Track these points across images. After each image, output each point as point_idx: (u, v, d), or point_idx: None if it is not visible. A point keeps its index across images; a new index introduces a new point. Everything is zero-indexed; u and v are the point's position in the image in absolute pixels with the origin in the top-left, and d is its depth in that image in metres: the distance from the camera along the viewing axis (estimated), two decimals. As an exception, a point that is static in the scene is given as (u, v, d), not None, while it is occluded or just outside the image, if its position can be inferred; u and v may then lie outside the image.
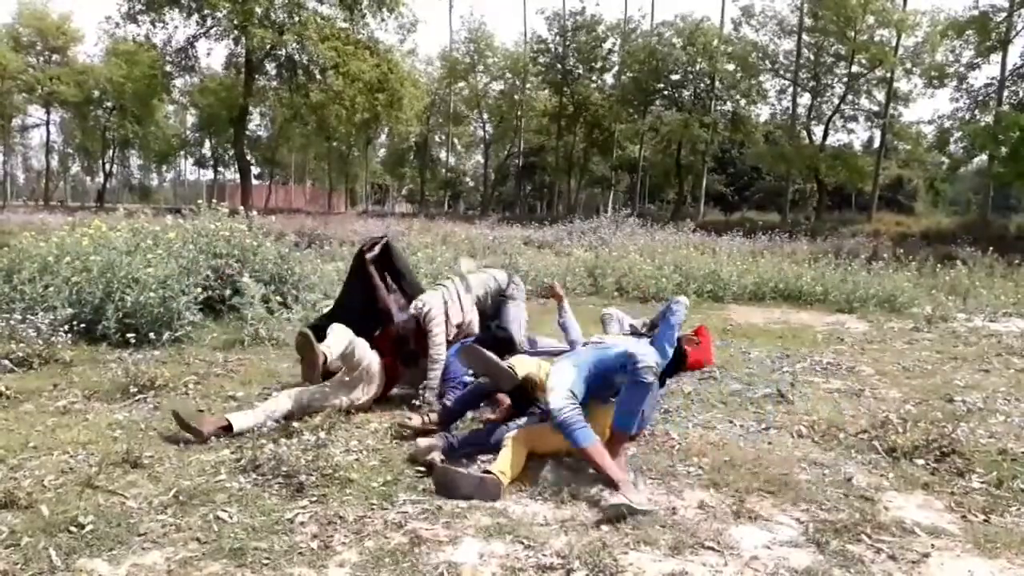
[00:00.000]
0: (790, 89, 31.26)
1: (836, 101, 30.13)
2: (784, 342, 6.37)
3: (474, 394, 3.54)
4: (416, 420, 3.45)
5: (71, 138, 45.74)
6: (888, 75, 27.78)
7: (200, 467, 2.98)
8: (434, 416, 3.47)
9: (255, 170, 47.87)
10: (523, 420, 3.33)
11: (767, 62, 31.06)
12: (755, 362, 5.43)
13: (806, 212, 36.42)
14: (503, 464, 2.87)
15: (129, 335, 5.08)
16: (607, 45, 36.98)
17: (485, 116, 45.10)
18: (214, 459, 3.06)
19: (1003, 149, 21.32)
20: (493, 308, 4.40)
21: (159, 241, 6.15)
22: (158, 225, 6.78)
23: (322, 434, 3.19)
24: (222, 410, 3.63)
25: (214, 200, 7.41)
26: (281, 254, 6.86)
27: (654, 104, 34.88)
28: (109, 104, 39.12)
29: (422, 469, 2.99)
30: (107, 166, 44.51)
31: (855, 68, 28.96)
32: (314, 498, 2.71)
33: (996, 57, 25.03)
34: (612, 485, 2.71)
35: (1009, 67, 25.30)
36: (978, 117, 25.11)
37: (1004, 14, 24.33)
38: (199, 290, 5.66)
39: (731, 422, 3.84)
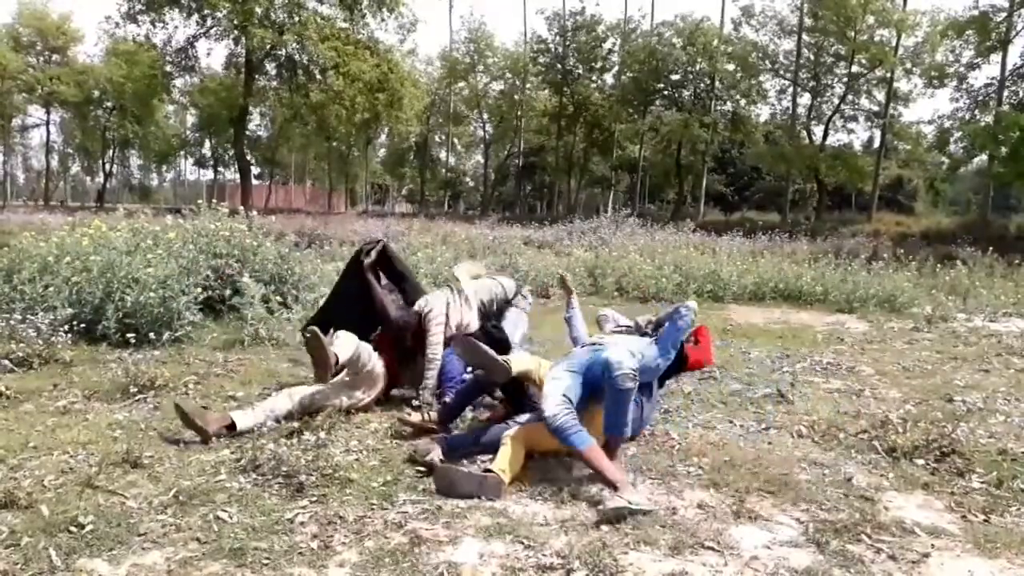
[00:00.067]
0: (790, 89, 31.27)
1: (836, 101, 30.14)
2: (784, 342, 6.37)
3: (471, 388, 3.55)
4: (416, 417, 3.45)
5: (71, 138, 45.76)
6: (888, 75, 27.79)
7: (200, 467, 2.98)
8: (434, 415, 3.48)
9: (255, 170, 47.95)
10: (522, 418, 3.33)
11: (767, 62, 31.07)
12: (755, 362, 5.43)
13: (806, 212, 36.43)
14: (503, 463, 2.88)
15: (129, 335, 5.08)
16: (607, 45, 37.01)
17: (485, 116, 45.11)
18: (214, 459, 3.06)
19: (1003, 149, 21.31)
20: (496, 313, 4.40)
21: (159, 241, 6.15)
22: (158, 225, 6.78)
23: (322, 434, 3.20)
24: (222, 410, 3.63)
25: (214, 200, 7.41)
26: (281, 254, 6.86)
27: (654, 104, 34.88)
28: (109, 104, 39.12)
29: (422, 469, 2.99)
30: (107, 166, 44.53)
31: (855, 68, 28.97)
32: (314, 498, 2.71)
33: (996, 57, 25.06)
34: (611, 486, 2.71)
35: (1009, 67, 25.32)
36: (978, 117, 25.10)
37: (1004, 14, 24.33)
38: (199, 290, 5.66)
39: (731, 422, 3.84)
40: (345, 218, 22.76)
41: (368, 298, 4.11)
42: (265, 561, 2.24)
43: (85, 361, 4.73)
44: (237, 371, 4.66)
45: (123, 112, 38.56)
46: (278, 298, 6.15)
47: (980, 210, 26.84)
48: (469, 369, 3.86)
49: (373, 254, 4.27)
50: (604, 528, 2.51)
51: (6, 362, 4.41)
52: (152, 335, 5.09)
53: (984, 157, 24.13)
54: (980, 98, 26.21)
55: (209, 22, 26.60)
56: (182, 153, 51.39)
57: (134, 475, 2.88)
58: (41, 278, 5.46)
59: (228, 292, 5.97)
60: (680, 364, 3.58)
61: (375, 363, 3.82)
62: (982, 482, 3.05)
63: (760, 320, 7.69)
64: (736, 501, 2.78)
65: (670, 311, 3.57)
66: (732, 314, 8.06)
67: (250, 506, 2.62)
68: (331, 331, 3.71)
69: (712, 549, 2.40)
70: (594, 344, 3.36)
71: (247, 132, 37.06)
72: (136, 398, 3.90)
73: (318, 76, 27.78)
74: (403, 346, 4.03)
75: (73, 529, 2.39)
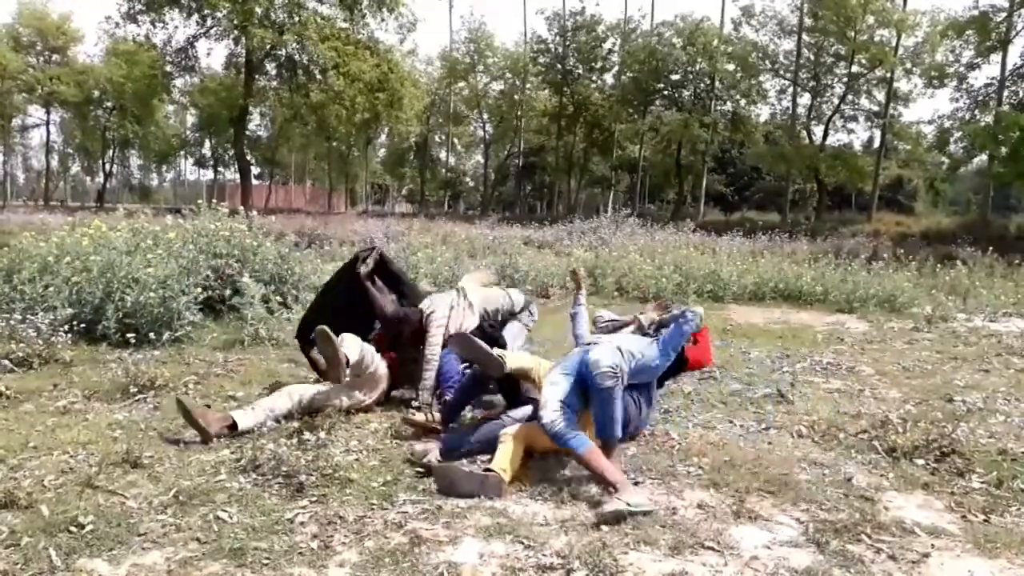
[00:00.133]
0: (790, 89, 31.25)
1: (836, 101, 30.11)
2: (784, 342, 6.37)
3: (470, 383, 3.56)
4: (420, 417, 3.47)
5: (71, 138, 45.73)
6: (888, 75, 27.77)
7: (200, 467, 2.98)
8: (437, 415, 3.49)
9: (255, 170, 47.93)
10: (516, 413, 3.33)
11: (767, 62, 31.05)
12: (755, 362, 5.43)
13: (806, 212, 36.41)
14: (503, 461, 2.88)
15: (129, 335, 5.08)
16: (607, 45, 36.97)
17: (485, 116, 45.08)
18: (214, 459, 3.06)
19: (1003, 149, 21.31)
20: (499, 324, 4.41)
21: (159, 241, 6.15)
22: (158, 225, 6.78)
23: (322, 434, 3.20)
24: (222, 410, 3.63)
25: (214, 200, 7.41)
26: (281, 254, 6.86)
27: (654, 104, 34.86)
28: (109, 104, 39.09)
29: (422, 469, 2.99)
30: (107, 166, 44.50)
31: (855, 68, 28.95)
32: (314, 498, 2.71)
33: (996, 57, 25.04)
34: (611, 487, 2.72)
35: (1009, 67, 25.30)
36: (978, 117, 25.09)
37: (1004, 14, 24.33)
38: (199, 290, 5.66)
39: (731, 422, 3.84)
40: (345, 218, 22.75)
41: (366, 302, 4.13)
42: (265, 561, 2.24)
43: (85, 361, 4.73)
44: (237, 371, 4.66)
45: (123, 112, 38.54)
46: (278, 298, 6.16)
47: (980, 210, 26.84)
48: (465, 366, 3.87)
49: (370, 262, 4.27)
50: (604, 528, 2.51)
51: (6, 362, 4.42)
52: (152, 335, 5.09)
53: (984, 157, 24.12)
54: (980, 98, 26.21)
55: (209, 22, 26.61)
56: (182, 153, 51.37)
57: (134, 475, 2.88)
58: (41, 278, 5.46)
59: (228, 292, 5.97)
60: (680, 365, 3.58)
61: (378, 364, 3.83)
62: (982, 482, 3.06)
63: (760, 320, 7.69)
64: (736, 501, 2.78)
65: (676, 314, 3.57)
66: (732, 314, 8.06)
67: (250, 506, 2.62)
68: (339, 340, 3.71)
69: (712, 549, 2.40)
70: (588, 344, 3.37)
71: (247, 132, 37.06)
72: (136, 398, 3.91)
73: (318, 76, 27.77)
74: (402, 343, 4.04)
75: (73, 529, 2.39)
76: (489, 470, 2.84)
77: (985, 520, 2.71)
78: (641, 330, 3.66)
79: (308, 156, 53.95)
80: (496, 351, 3.37)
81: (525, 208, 47.18)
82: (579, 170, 41.17)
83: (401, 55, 33.21)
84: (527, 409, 3.35)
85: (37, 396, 3.91)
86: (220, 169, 50.40)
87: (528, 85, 40.21)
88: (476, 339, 3.37)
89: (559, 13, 36.86)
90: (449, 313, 4.07)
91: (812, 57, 30.09)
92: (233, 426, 3.34)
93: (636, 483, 2.91)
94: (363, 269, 4.19)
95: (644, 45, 33.41)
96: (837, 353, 5.88)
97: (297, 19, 26.32)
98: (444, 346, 3.95)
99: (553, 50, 37.45)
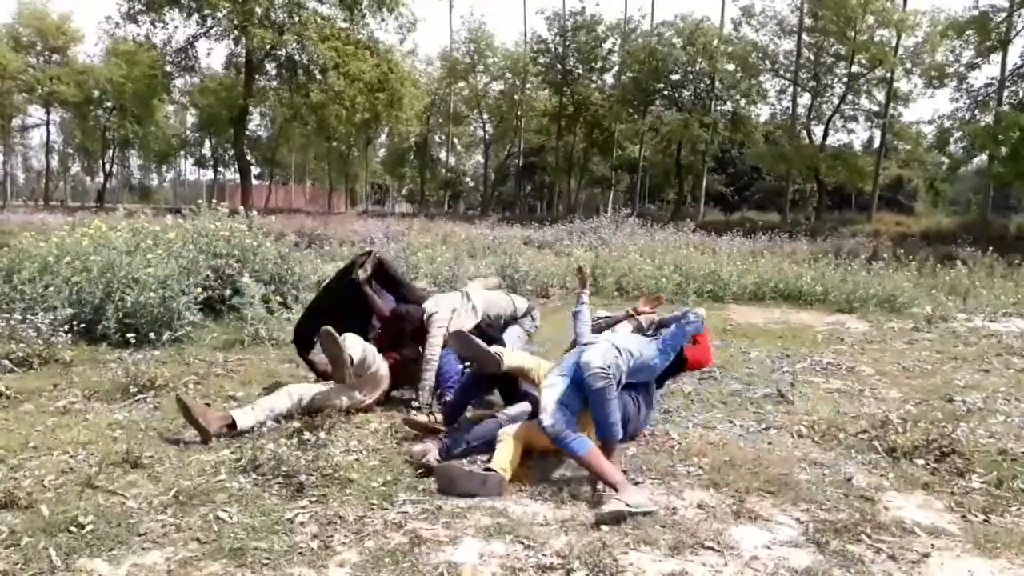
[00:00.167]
0: (790, 89, 31.26)
1: (836, 101, 30.13)
2: (784, 342, 6.37)
3: (469, 382, 3.56)
4: (423, 418, 3.48)
5: (71, 138, 45.74)
6: (888, 75, 27.78)
7: (200, 467, 2.98)
8: (439, 416, 3.49)
9: (255, 170, 47.93)
10: (512, 411, 3.33)
11: (767, 62, 31.06)
12: (755, 362, 5.43)
13: (806, 212, 36.42)
14: (503, 461, 2.88)
15: (129, 335, 5.08)
16: (607, 45, 36.99)
17: (485, 116, 45.09)
18: (214, 459, 3.06)
19: (1003, 149, 21.31)
20: (500, 328, 4.41)
21: (159, 241, 6.15)
22: (158, 225, 6.78)
23: (322, 434, 3.20)
24: (222, 410, 3.63)
25: (214, 200, 7.41)
26: (281, 254, 6.86)
27: (654, 104, 34.88)
28: (109, 104, 39.11)
29: (421, 469, 2.99)
30: (107, 166, 44.51)
31: (855, 68, 28.96)
32: (314, 498, 2.71)
33: (996, 57, 25.05)
34: (611, 488, 2.72)
35: (1009, 67, 25.31)
36: (978, 117, 25.10)
37: (1004, 14, 24.33)
38: (199, 290, 5.66)
39: (731, 422, 3.84)
40: (345, 218, 22.76)
41: (366, 306, 4.15)
42: (265, 561, 2.24)
43: (85, 361, 4.73)
44: (237, 371, 4.66)
45: (123, 112, 38.55)
46: (278, 298, 6.16)
47: (980, 210, 26.84)
48: (465, 366, 3.88)
49: (368, 267, 4.27)
50: (604, 528, 2.51)
51: (6, 362, 4.42)
52: (152, 335, 5.09)
53: (984, 157, 24.13)
54: (980, 98, 26.22)
55: (209, 22, 26.62)
56: (182, 153, 51.38)
57: (134, 475, 2.88)
58: (41, 278, 5.46)
59: (228, 292, 5.97)
60: (679, 365, 3.58)
61: (380, 365, 3.83)
62: (982, 482, 3.06)
63: (760, 320, 7.69)
64: (736, 501, 2.78)
65: (677, 314, 3.57)
66: (732, 314, 8.06)
67: (250, 506, 2.62)
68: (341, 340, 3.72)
69: (712, 549, 2.40)
70: (585, 344, 3.37)
71: (247, 132, 37.07)
72: (136, 398, 3.91)
73: (318, 76, 27.77)
74: (401, 341, 4.04)
75: (73, 529, 2.39)
76: (489, 469, 2.85)
77: (985, 520, 2.71)
78: (640, 330, 3.66)
79: (308, 156, 53.96)
80: (494, 348, 3.37)
81: (525, 208, 47.19)
82: (579, 170, 41.18)
83: (401, 55, 33.23)
84: (523, 406, 3.35)
85: (37, 396, 3.91)
86: (220, 169, 50.45)
87: (528, 85, 40.22)
88: (473, 336, 3.38)
89: (559, 13, 36.91)
90: (451, 315, 4.07)
91: (812, 57, 30.10)
92: (233, 425, 3.34)
93: (636, 483, 2.91)
94: (362, 274, 4.20)
95: (644, 45, 33.42)
96: (837, 353, 5.88)
97: (297, 19, 26.33)
98: (443, 346, 3.96)
99: (553, 50, 37.47)
